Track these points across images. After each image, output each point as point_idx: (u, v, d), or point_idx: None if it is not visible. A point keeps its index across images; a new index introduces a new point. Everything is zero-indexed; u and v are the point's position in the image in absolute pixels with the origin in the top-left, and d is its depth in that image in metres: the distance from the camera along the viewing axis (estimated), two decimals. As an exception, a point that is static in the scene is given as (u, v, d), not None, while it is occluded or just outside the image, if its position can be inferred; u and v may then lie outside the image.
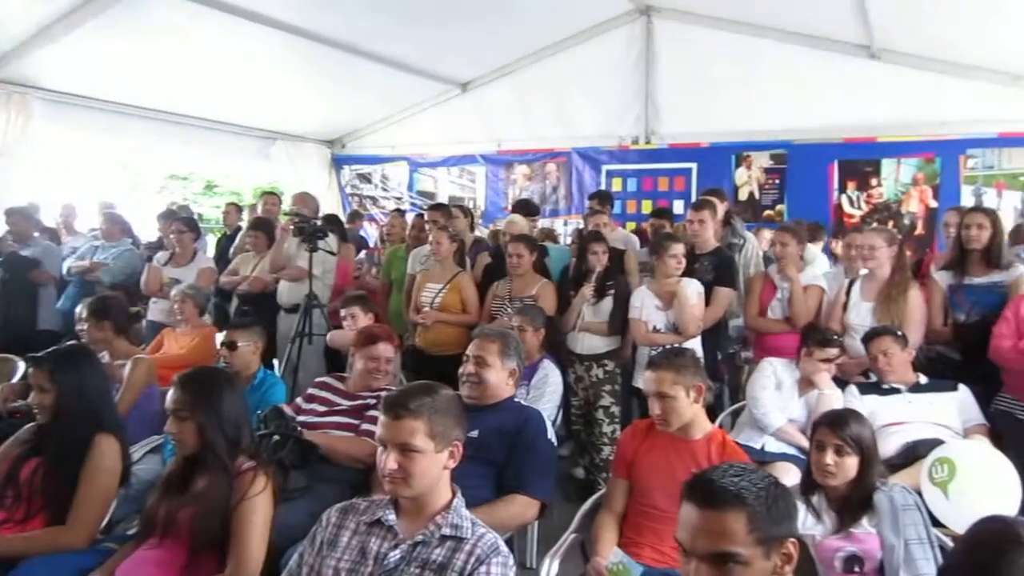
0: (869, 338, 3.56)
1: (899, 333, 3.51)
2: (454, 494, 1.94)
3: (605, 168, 7.42)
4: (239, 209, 7.73)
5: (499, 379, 2.84)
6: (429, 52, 6.92)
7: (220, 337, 3.92)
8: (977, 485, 2.60)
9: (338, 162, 8.96)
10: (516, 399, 2.99)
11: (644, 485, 2.60)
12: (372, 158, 8.74)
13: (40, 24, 5.25)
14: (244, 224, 6.84)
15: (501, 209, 7.73)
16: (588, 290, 4.37)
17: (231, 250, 6.24)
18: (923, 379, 3.45)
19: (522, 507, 2.63)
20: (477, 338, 2.95)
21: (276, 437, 2.74)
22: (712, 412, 4.08)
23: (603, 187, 7.15)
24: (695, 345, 4.15)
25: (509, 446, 2.68)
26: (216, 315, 5.34)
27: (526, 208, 5.98)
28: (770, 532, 1.44)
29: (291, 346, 4.84)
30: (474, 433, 2.56)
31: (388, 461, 1.83)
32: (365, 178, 8.81)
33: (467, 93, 7.87)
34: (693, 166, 7.03)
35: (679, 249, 4.18)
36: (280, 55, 6.29)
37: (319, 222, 5.15)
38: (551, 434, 2.86)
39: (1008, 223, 5.50)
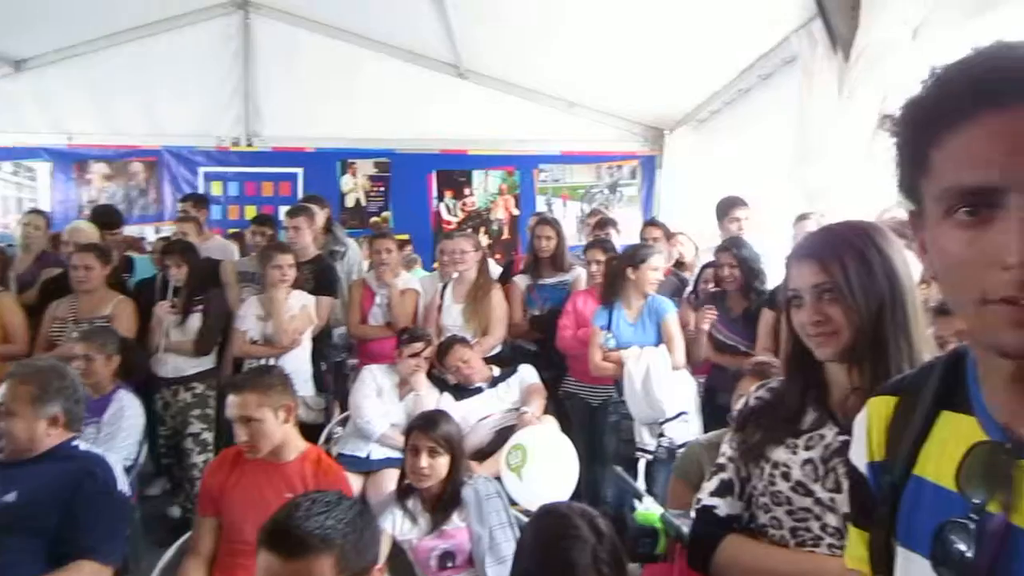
0: (444, 352, 3.70)
1: (461, 338, 3.78)
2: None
3: (202, 170, 6.83)
4: None
5: (31, 431, 2.27)
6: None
7: None
8: (544, 466, 2.94)
9: None
10: (76, 443, 2.48)
11: (234, 520, 2.36)
12: None
13: None
14: None
15: (75, 214, 6.59)
16: (163, 308, 3.96)
17: None
18: (496, 371, 3.78)
19: (92, 575, 2.18)
20: (8, 379, 2.34)
21: None
22: (320, 425, 4.02)
23: (200, 190, 6.57)
24: (303, 357, 4.03)
25: (64, 510, 2.17)
26: None
27: (107, 217, 5.14)
28: (358, 565, 1.44)
29: None
30: (10, 496, 2.09)
31: None
32: None
33: (23, 73, 6.57)
34: (299, 171, 6.86)
35: (285, 260, 3.99)
36: None
37: None
38: (122, 483, 2.42)
39: (571, 229, 6.46)
